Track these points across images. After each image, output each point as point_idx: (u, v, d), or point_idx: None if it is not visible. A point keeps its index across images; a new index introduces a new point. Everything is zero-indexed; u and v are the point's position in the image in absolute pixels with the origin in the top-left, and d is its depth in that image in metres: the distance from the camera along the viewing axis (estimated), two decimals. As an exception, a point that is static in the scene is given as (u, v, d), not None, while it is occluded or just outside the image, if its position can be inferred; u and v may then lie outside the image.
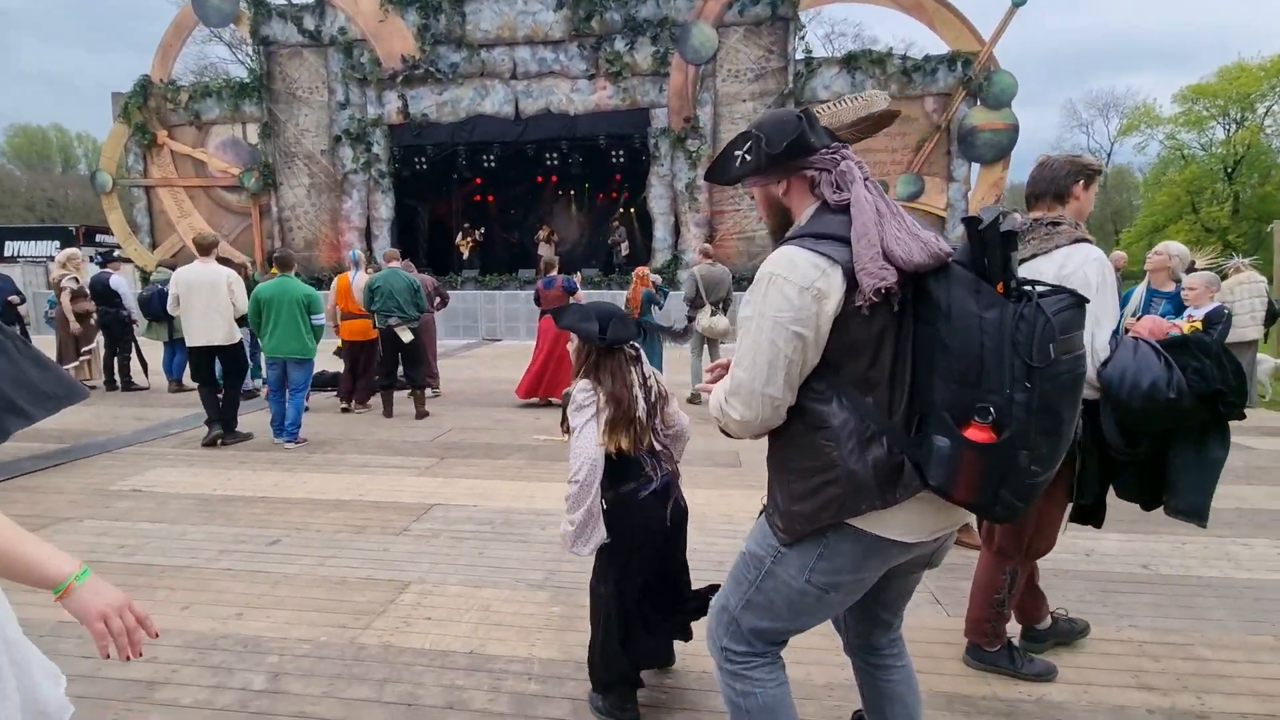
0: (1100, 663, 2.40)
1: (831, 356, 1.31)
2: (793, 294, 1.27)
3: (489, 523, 3.81)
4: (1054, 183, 2.17)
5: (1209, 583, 2.97)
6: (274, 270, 6.94)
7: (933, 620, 2.73)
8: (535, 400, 7.30)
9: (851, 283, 1.26)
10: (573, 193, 18.91)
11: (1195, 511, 1.93)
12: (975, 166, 14.35)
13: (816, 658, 2.35)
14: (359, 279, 7.06)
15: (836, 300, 1.27)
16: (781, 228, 1.48)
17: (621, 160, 15.92)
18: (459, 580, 3.07)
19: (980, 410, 1.16)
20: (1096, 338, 1.96)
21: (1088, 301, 1.22)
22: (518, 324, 14.43)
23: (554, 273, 7.38)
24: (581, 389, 1.99)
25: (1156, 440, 1.94)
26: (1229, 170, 33.11)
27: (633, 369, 2.03)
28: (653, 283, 8.07)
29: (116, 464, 5.01)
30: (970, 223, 1.23)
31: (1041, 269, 2.04)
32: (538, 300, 7.30)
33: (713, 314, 7.55)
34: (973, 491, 1.20)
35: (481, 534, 3.66)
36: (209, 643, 2.55)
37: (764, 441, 1.51)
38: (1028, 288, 1.20)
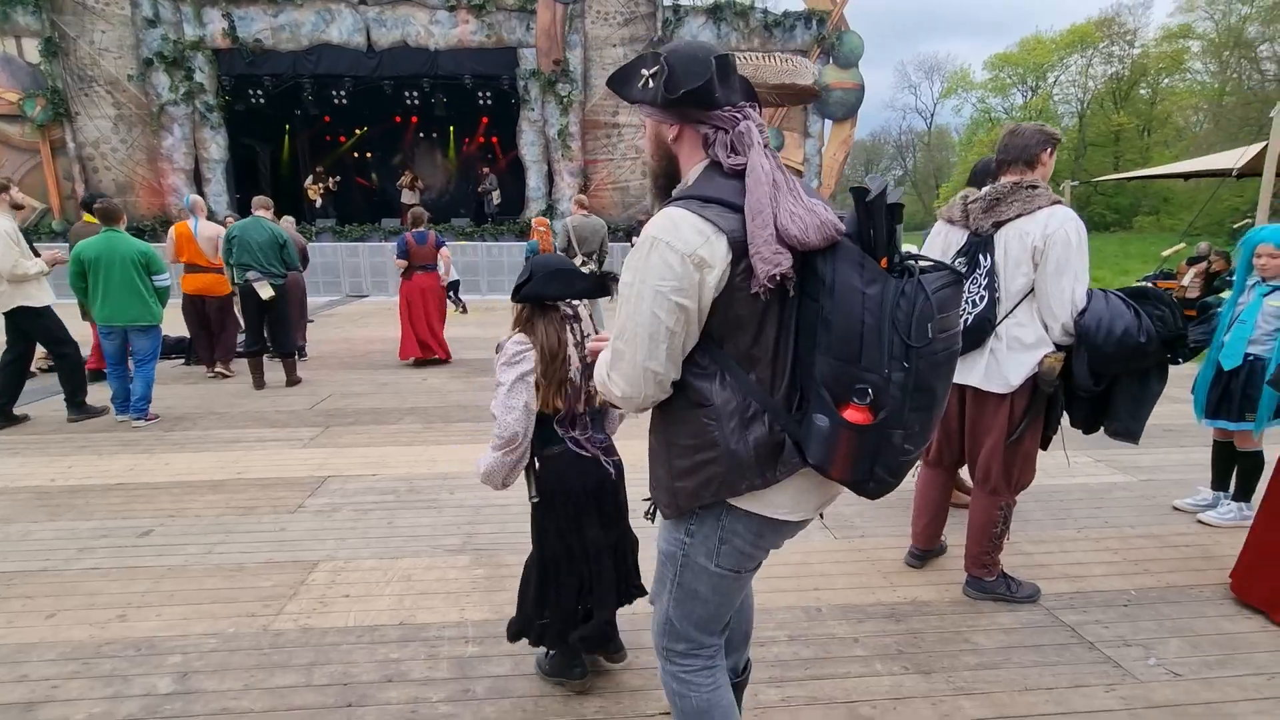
0: (953, 563, 2.87)
1: (714, 331, 1.24)
2: (674, 261, 1.18)
3: (392, 491, 3.69)
4: (1025, 150, 2.39)
5: (1029, 491, 3.61)
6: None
7: (822, 544, 3.10)
8: (405, 361, 7.04)
9: (738, 255, 1.18)
10: (436, 135, 17.67)
11: (1131, 433, 2.33)
12: (828, 123, 15.28)
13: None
14: (201, 226, 6.23)
15: (720, 272, 1.19)
16: (665, 173, 1.38)
17: (489, 103, 15.08)
18: (372, 554, 2.99)
19: (859, 391, 1.15)
20: (1076, 291, 2.25)
21: (965, 279, 1.27)
22: (385, 279, 13.51)
23: (424, 226, 6.97)
24: (515, 342, 1.90)
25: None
26: (1030, 139, 37.91)
27: (569, 327, 1.94)
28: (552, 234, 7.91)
29: (-94, 460, 4.18)
30: (858, 194, 1.18)
31: (1027, 228, 2.28)
32: (405, 254, 6.84)
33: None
34: (848, 470, 1.20)
35: (386, 503, 3.54)
36: (90, 651, 2.30)
37: None
38: (910, 263, 1.18)
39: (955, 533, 3.00)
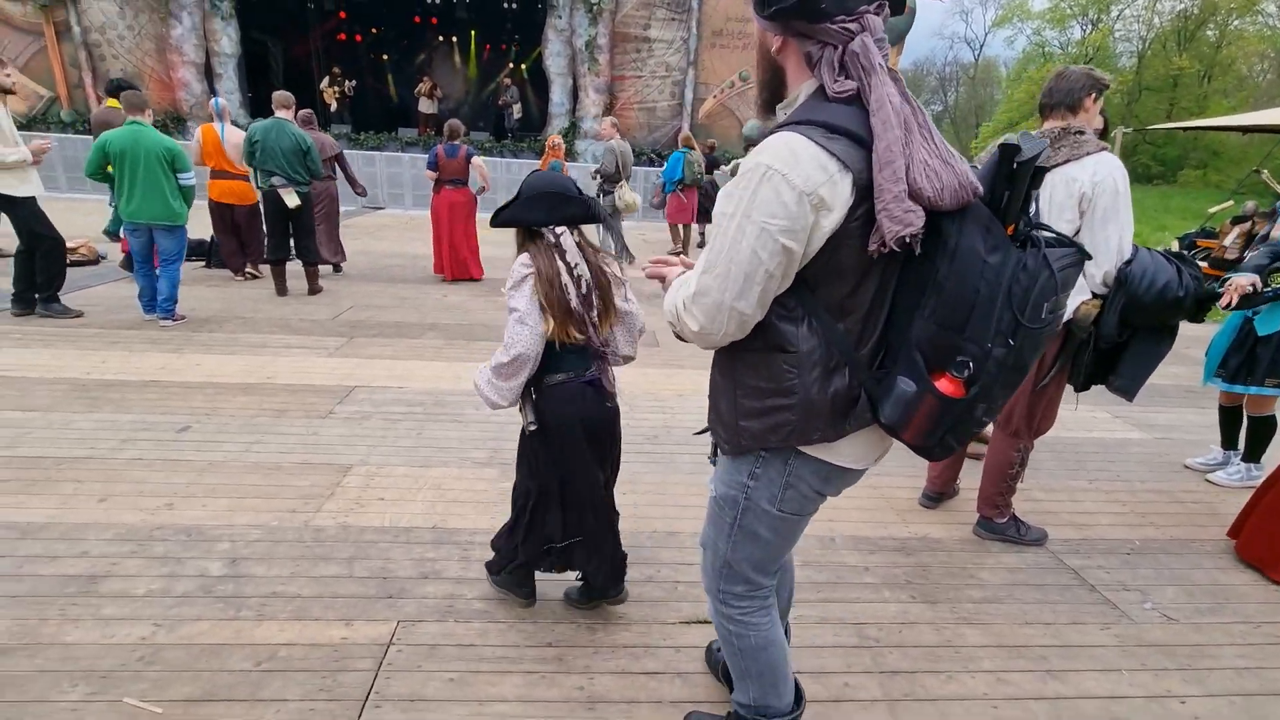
0: (965, 505, 2.96)
1: (811, 276, 1.16)
2: (789, 197, 1.06)
3: (419, 404, 3.78)
4: (1070, 94, 2.33)
5: (1044, 441, 3.66)
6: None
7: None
8: (441, 278, 7.03)
9: (860, 198, 1.08)
10: (456, 40, 16.90)
11: (1130, 390, 2.40)
12: (873, 49, 14.45)
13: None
14: (230, 132, 6.11)
15: (839, 216, 1.08)
16: (771, 90, 1.26)
17: (514, 5, 14.32)
18: (403, 461, 3.10)
19: (958, 364, 1.10)
20: (1123, 239, 2.26)
21: (1089, 258, 1.17)
22: (402, 190, 13.28)
23: (458, 140, 6.75)
24: (521, 264, 1.83)
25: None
26: (1081, 72, 35.63)
27: (556, 256, 1.82)
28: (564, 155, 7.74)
29: (-55, 345, 4.29)
30: (1008, 151, 1.07)
31: (1075, 174, 2.24)
32: (435, 166, 6.68)
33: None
34: (921, 436, 1.17)
35: (414, 415, 3.64)
36: (143, 535, 2.44)
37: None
38: (1036, 233, 1.10)
39: (968, 477, 3.07)
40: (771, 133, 1.13)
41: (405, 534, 2.53)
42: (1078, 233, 2.32)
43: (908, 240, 1.06)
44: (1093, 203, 2.25)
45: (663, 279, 1.40)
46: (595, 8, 13.24)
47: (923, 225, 1.06)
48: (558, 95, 14.03)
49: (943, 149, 1.10)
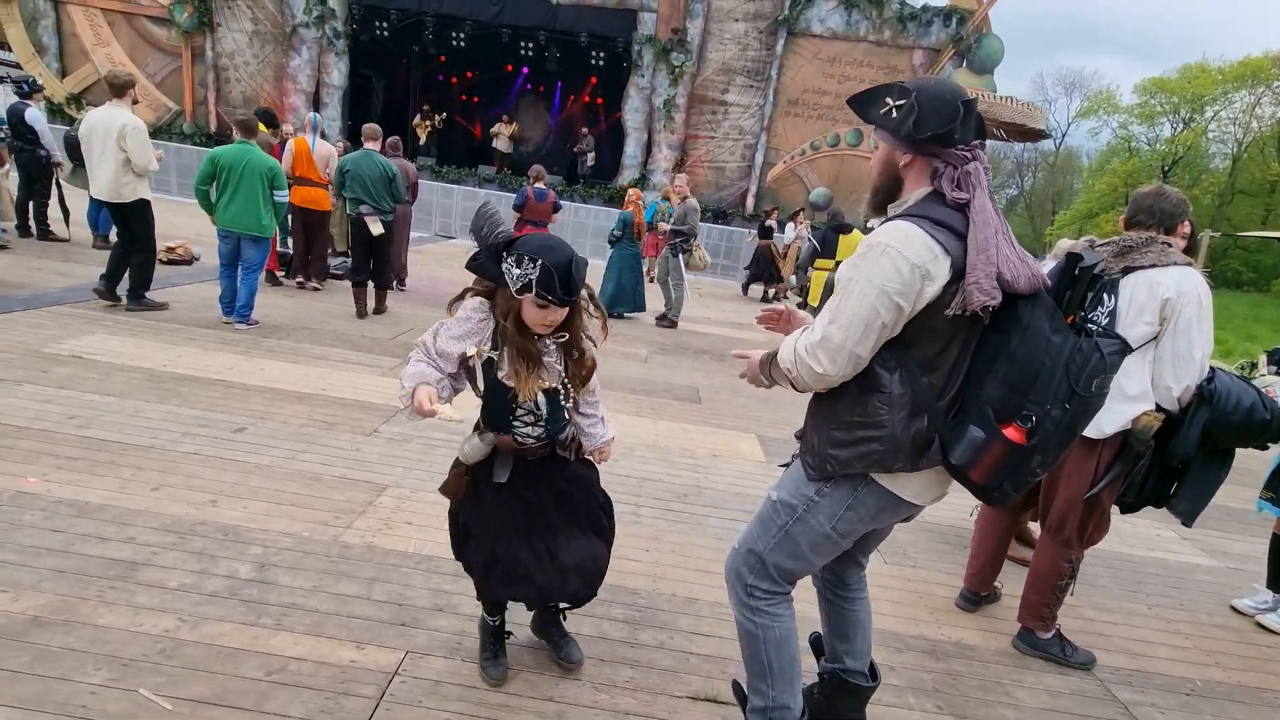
0: (1005, 613, 2.78)
1: (908, 334, 1.43)
2: (904, 268, 1.36)
3: (460, 432, 3.83)
4: (1169, 216, 2.35)
5: (1100, 555, 3.44)
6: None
7: (872, 567, 3.03)
8: None
9: (954, 277, 1.37)
10: (543, 90, 17.86)
11: (1192, 514, 2.31)
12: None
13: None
14: (319, 145, 6.58)
15: (939, 287, 1.37)
16: (886, 192, 1.55)
17: (600, 63, 15.10)
18: (436, 487, 3.14)
19: (1024, 416, 1.36)
20: (1205, 355, 2.21)
21: (1131, 350, 1.45)
22: (473, 223, 13.88)
23: (543, 183, 7.06)
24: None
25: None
26: (1165, 169, 34.69)
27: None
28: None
29: (46, 323, 4.66)
30: (1073, 260, 1.41)
31: (1159, 278, 2.21)
32: (522, 208, 6.96)
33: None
34: (986, 476, 1.41)
35: (453, 442, 3.67)
36: (186, 528, 2.54)
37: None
38: (1089, 325, 1.42)
39: (1012, 583, 2.89)
40: (889, 220, 1.47)
41: (427, 562, 2.55)
42: (1155, 338, 2.23)
43: (987, 308, 1.35)
44: (1177, 311, 2.19)
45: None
46: (677, 70, 13.81)
47: (999, 301, 1.36)
48: (631, 148, 14.57)
49: (1019, 250, 1.41)
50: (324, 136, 7.29)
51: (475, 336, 1.78)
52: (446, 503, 2.98)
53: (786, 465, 1.75)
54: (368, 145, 6.16)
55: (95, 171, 5.13)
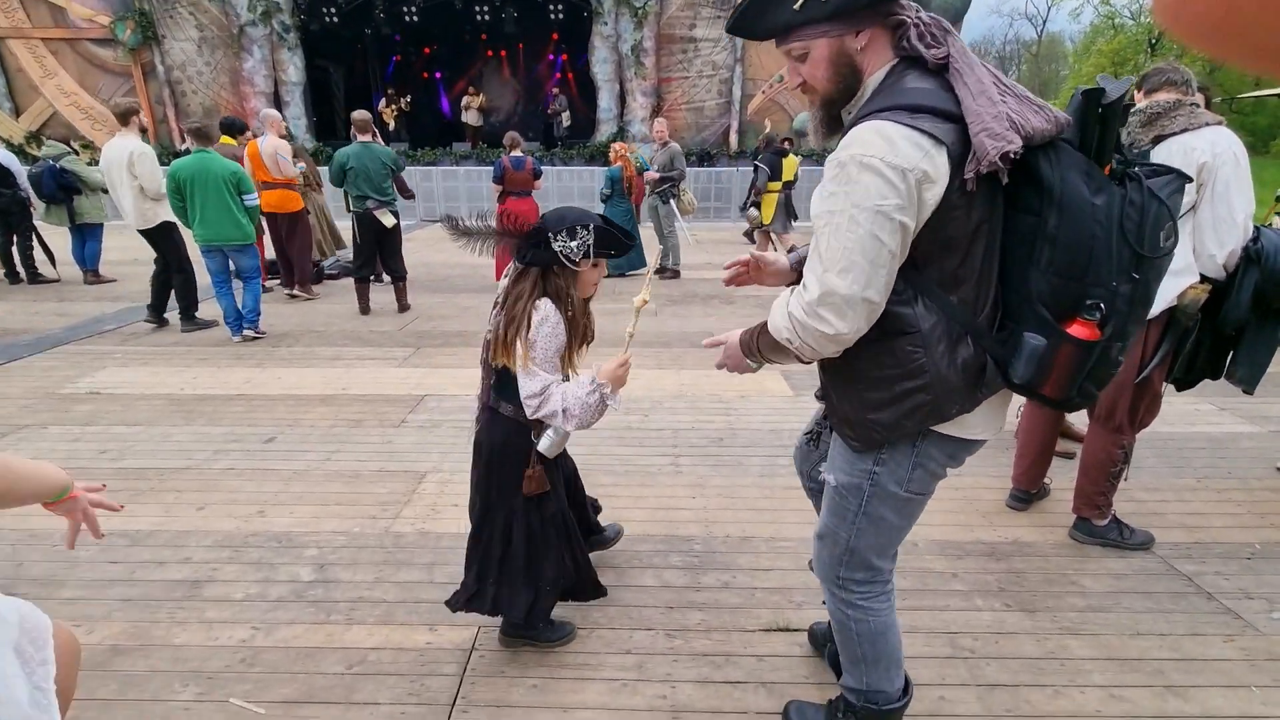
0: (1057, 507, 2.78)
1: (917, 254, 1.16)
2: (894, 177, 1.07)
3: (486, 411, 3.85)
4: (1185, 75, 2.24)
5: (1142, 437, 3.41)
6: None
7: (916, 480, 3.06)
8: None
9: (955, 169, 1.09)
10: (504, 54, 17.28)
11: (1253, 380, 2.25)
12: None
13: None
14: (266, 143, 6.21)
15: (941, 188, 1.09)
16: (842, 95, 1.23)
17: (560, 16, 14.55)
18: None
19: (1089, 307, 1.12)
20: (1248, 215, 2.12)
21: (1190, 180, 1.19)
22: (457, 203, 13.64)
23: (519, 150, 6.87)
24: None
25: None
26: (1153, 42, 33.41)
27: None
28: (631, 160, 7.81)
29: (58, 365, 4.65)
30: (1092, 95, 1.10)
31: (1193, 143, 2.10)
32: (501, 179, 6.80)
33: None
34: (1063, 387, 1.17)
35: (481, 422, 3.70)
36: (239, 541, 2.56)
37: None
38: (1130, 171, 1.12)
39: (1061, 476, 2.89)
40: (854, 126, 1.14)
41: (481, 540, 2.56)
42: (1193, 207, 2.15)
43: (1008, 156, 1.05)
44: (1214, 173, 2.10)
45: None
46: (640, 12, 13.27)
47: (1020, 145, 1.06)
48: (605, 101, 14.14)
49: (1023, 92, 1.13)
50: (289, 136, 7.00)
51: (561, 335, 1.73)
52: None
53: (818, 441, 1.67)
54: (362, 138, 5.87)
55: (120, 203, 5.31)
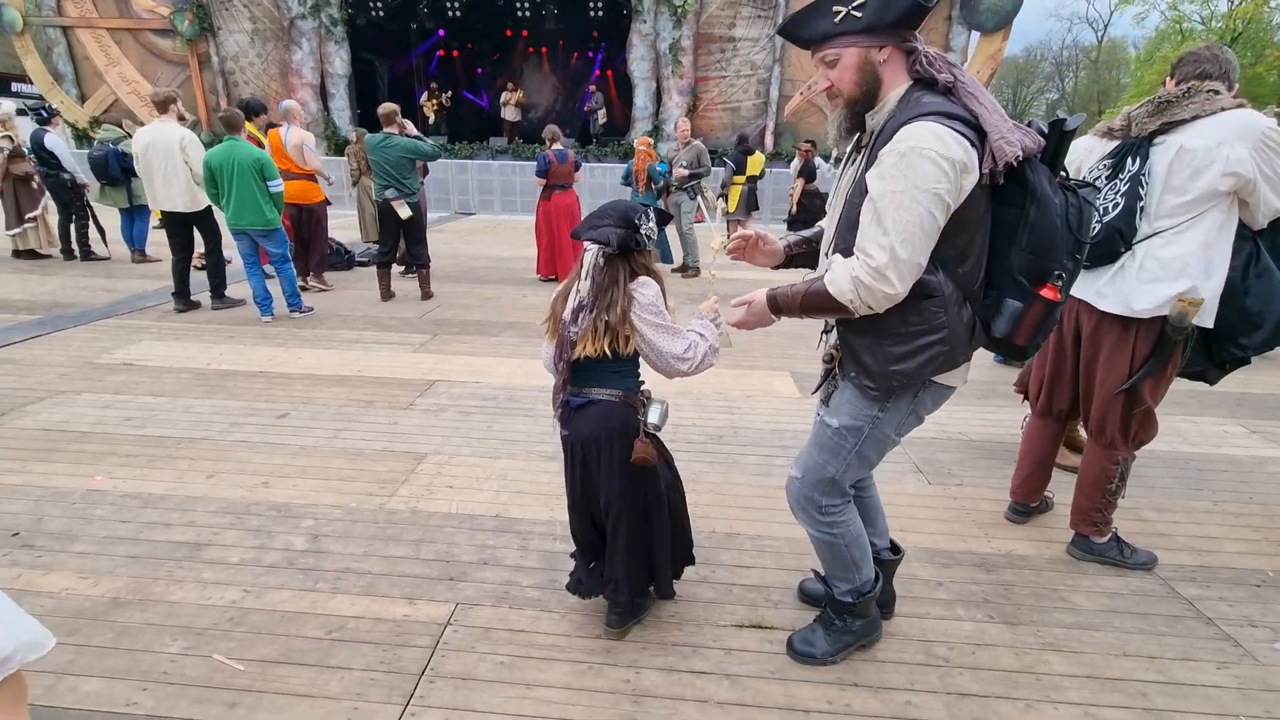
0: (1057, 522, 2.70)
1: (944, 232, 1.45)
2: (945, 165, 1.35)
3: (493, 398, 3.92)
4: (1233, 68, 2.12)
5: (1159, 456, 3.30)
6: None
7: (914, 488, 3.01)
8: (537, 278, 7.31)
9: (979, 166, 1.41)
10: (544, 50, 17.46)
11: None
12: (974, 36, 13.62)
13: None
14: (290, 134, 6.33)
15: (974, 179, 1.39)
16: (864, 100, 1.51)
17: (600, 14, 14.64)
18: (473, 452, 3.22)
19: (1056, 276, 1.46)
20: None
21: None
22: (491, 197, 13.86)
23: (560, 144, 6.95)
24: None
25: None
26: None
27: (575, 271, 1.85)
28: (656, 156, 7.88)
29: (98, 337, 4.89)
30: (1058, 124, 1.46)
31: (1205, 130, 2.01)
32: (545, 172, 6.88)
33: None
34: (1030, 336, 1.51)
35: (486, 409, 3.77)
36: (242, 509, 2.67)
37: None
38: (1067, 181, 1.51)
39: (1063, 490, 2.80)
40: (901, 126, 1.41)
41: (470, 521, 2.62)
42: (1201, 213, 2.04)
43: (1014, 161, 1.38)
44: (1263, 153, 1.96)
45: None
46: (680, 10, 13.27)
47: (1020, 152, 1.39)
48: (641, 99, 14.18)
49: (1009, 121, 1.45)
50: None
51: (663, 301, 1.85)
52: (484, 464, 3.05)
53: (818, 392, 1.79)
54: (387, 129, 5.99)
55: (165, 185, 5.43)
